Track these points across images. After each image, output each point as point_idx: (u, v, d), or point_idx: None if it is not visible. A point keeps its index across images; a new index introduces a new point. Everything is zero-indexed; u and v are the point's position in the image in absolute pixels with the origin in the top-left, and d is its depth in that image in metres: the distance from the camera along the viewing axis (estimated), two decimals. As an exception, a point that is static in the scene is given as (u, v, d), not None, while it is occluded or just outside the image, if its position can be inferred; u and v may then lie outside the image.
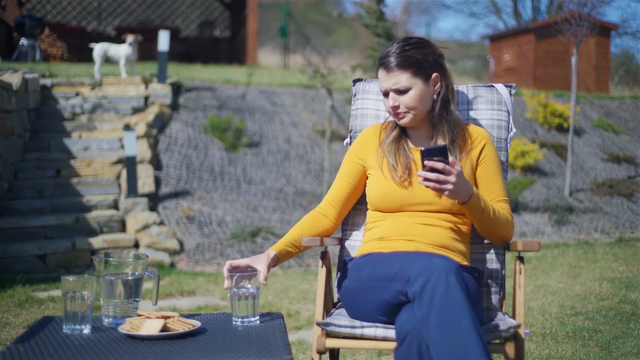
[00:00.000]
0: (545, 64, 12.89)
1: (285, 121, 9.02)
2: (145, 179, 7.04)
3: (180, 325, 1.86)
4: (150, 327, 1.81)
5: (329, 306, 2.30)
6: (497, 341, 2.05)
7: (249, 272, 2.03)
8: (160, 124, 8.09)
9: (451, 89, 2.28)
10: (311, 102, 9.70)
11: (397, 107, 2.20)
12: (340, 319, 2.08)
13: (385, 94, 2.23)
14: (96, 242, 6.17)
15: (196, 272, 5.94)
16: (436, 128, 2.24)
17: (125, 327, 1.83)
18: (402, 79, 2.18)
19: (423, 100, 2.20)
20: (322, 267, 2.23)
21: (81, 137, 7.73)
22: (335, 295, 2.36)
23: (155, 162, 7.52)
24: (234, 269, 2.07)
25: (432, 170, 2.00)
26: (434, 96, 2.23)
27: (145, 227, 6.44)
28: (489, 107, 2.45)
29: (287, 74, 12.41)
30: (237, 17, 16.43)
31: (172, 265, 6.15)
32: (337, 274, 2.38)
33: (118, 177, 7.13)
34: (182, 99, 8.84)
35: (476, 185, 2.25)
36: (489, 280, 2.30)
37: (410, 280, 1.88)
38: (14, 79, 7.24)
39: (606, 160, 9.49)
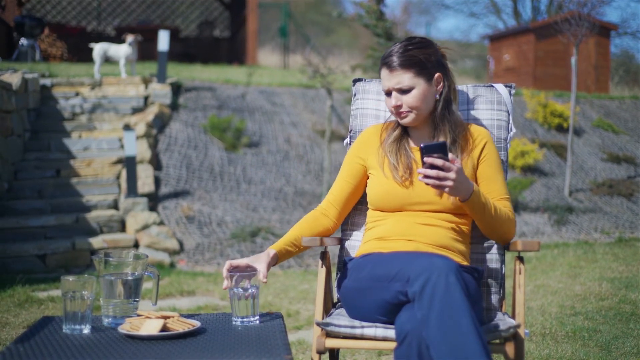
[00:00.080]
0: (545, 64, 12.89)
1: (285, 121, 9.02)
2: (145, 179, 7.04)
3: (180, 325, 1.86)
4: (150, 327, 1.81)
5: (329, 306, 2.30)
6: (497, 341, 2.05)
7: (248, 272, 2.03)
8: (160, 124, 8.09)
9: (453, 89, 2.28)
10: (311, 102, 9.71)
11: (400, 106, 2.20)
12: (340, 319, 2.08)
13: (388, 93, 2.23)
14: (96, 242, 6.17)
15: (196, 272, 5.94)
16: (438, 128, 2.24)
17: (125, 327, 1.83)
18: (405, 78, 2.18)
19: (425, 100, 2.20)
20: (322, 267, 2.23)
21: (81, 137, 7.73)
22: (335, 295, 2.36)
23: (155, 162, 7.52)
24: (233, 269, 2.07)
25: (432, 167, 2.00)
26: (437, 96, 2.24)
27: (145, 227, 6.44)
28: (488, 107, 2.45)
29: (287, 74, 12.41)
30: (237, 17, 16.43)
31: (172, 265, 6.15)
32: (337, 274, 2.38)
33: (118, 177, 7.13)
34: (182, 99, 8.84)
35: (477, 184, 2.25)
36: (489, 280, 2.30)
37: (410, 280, 1.88)
38: (13, 79, 7.24)
39: (606, 160, 9.49)
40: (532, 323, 3.96)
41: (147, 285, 4.62)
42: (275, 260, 2.18)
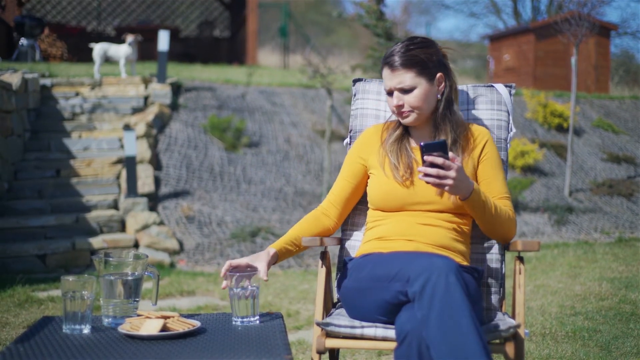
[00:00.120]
0: (545, 64, 12.89)
1: (285, 121, 9.02)
2: (145, 179, 7.04)
3: (180, 325, 1.86)
4: (150, 327, 1.81)
5: (329, 306, 2.30)
6: (497, 341, 2.05)
7: (248, 272, 2.03)
8: (160, 124, 8.09)
9: (454, 89, 2.29)
10: (311, 102, 9.71)
11: (402, 106, 2.20)
12: (340, 319, 2.08)
13: (390, 93, 2.23)
14: (96, 242, 6.17)
15: (196, 272, 5.94)
16: (439, 128, 2.24)
17: (125, 327, 1.83)
18: (407, 78, 2.18)
19: (427, 100, 2.20)
20: (322, 267, 2.23)
21: (81, 137, 7.73)
22: (335, 295, 2.36)
23: (155, 162, 7.52)
24: (233, 269, 2.07)
25: (432, 165, 2.00)
26: (438, 96, 2.24)
27: (145, 227, 6.44)
28: (488, 107, 2.45)
29: (287, 74, 12.41)
30: (237, 17, 16.43)
31: (172, 265, 6.15)
32: (337, 274, 2.38)
33: (118, 177, 7.13)
34: (182, 99, 8.84)
35: (478, 183, 2.25)
36: (489, 280, 2.30)
37: (410, 280, 1.88)
38: (13, 79, 7.24)
39: (606, 160, 9.49)
40: (532, 323, 3.96)
41: (147, 285, 4.62)
42: (275, 259, 2.18)
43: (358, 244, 2.40)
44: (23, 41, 10.70)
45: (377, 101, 2.53)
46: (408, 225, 2.18)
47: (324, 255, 2.26)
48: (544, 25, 12.89)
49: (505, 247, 2.32)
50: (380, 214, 2.26)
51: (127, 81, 8.58)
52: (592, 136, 10.06)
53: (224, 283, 2.04)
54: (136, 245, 6.34)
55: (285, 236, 2.25)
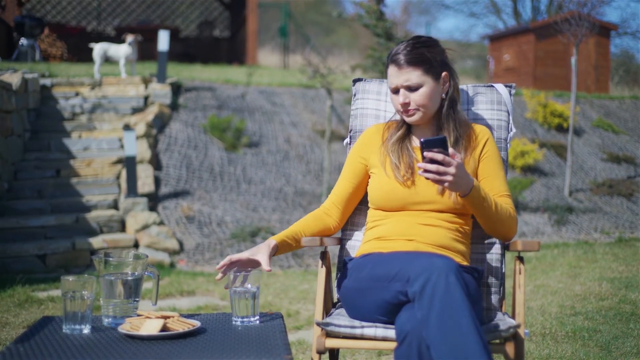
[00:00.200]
0: (545, 64, 12.89)
1: (285, 121, 9.02)
2: (145, 179, 7.04)
3: (180, 325, 1.86)
4: (150, 327, 1.81)
5: (329, 306, 2.30)
6: (497, 341, 2.05)
7: (246, 271, 2.02)
8: (160, 124, 8.09)
9: (457, 89, 2.29)
10: (311, 102, 9.71)
11: (408, 104, 2.20)
12: (340, 319, 2.08)
13: (395, 91, 2.23)
14: (96, 242, 6.17)
15: (196, 272, 5.94)
16: (443, 127, 2.25)
17: (125, 327, 1.83)
18: (414, 76, 2.18)
19: (433, 99, 2.21)
20: (322, 267, 2.23)
21: (81, 137, 7.73)
22: (335, 295, 2.36)
23: (155, 162, 7.52)
24: (233, 264, 2.08)
25: (432, 161, 1.99)
26: (443, 95, 2.24)
27: (145, 227, 6.44)
28: (488, 107, 2.45)
29: (287, 74, 12.41)
30: (236, 17, 16.43)
31: (172, 265, 6.15)
32: (337, 274, 2.38)
33: (118, 177, 7.13)
34: (181, 99, 8.84)
35: (478, 181, 2.25)
36: (489, 280, 2.30)
37: (410, 280, 1.88)
38: (13, 79, 7.24)
39: (606, 160, 9.49)
40: (532, 323, 3.96)
41: (147, 285, 4.62)
42: (275, 250, 2.18)
43: (358, 244, 2.41)
44: (23, 41, 10.70)
45: (377, 101, 2.53)
46: (408, 225, 2.18)
47: (324, 255, 2.26)
48: (544, 25, 12.89)
49: (505, 247, 2.32)
50: (381, 214, 2.26)
51: (127, 81, 8.58)
52: (592, 136, 10.07)
53: (219, 275, 2.05)
54: (136, 245, 6.34)
55: (287, 230, 2.26)
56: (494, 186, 2.24)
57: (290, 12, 16.39)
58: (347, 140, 2.54)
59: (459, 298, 1.79)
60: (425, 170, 2.00)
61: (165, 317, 1.87)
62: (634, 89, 15.25)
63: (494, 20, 27.98)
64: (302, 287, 5.34)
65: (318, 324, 2.05)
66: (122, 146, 7.56)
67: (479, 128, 2.30)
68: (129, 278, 1.95)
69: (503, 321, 2.09)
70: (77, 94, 8.36)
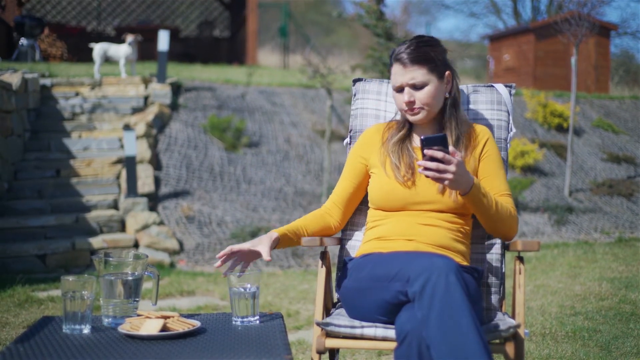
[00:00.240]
0: (545, 64, 12.89)
1: (285, 121, 9.02)
2: (145, 179, 7.04)
3: (180, 325, 1.86)
4: (150, 327, 1.81)
5: (329, 306, 2.30)
6: (497, 341, 2.05)
7: (245, 272, 2.03)
8: (160, 124, 8.09)
9: (457, 88, 2.30)
10: (311, 102, 9.71)
11: (413, 102, 2.20)
12: (340, 318, 2.08)
13: (400, 90, 2.22)
14: (96, 242, 6.17)
15: (196, 272, 5.94)
16: (445, 126, 2.25)
17: (125, 327, 1.83)
18: (419, 74, 2.18)
19: (437, 97, 2.21)
20: (321, 267, 2.23)
21: (81, 137, 7.73)
22: (335, 295, 2.36)
23: (155, 162, 7.52)
24: (234, 253, 2.08)
25: (432, 159, 1.99)
26: (446, 94, 2.25)
27: (145, 227, 6.44)
28: (488, 107, 2.45)
29: (287, 74, 12.41)
30: (236, 17, 16.43)
31: (172, 265, 6.15)
32: (336, 274, 2.38)
33: (118, 177, 7.13)
34: (181, 99, 8.84)
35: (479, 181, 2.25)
36: (489, 280, 2.30)
37: (410, 280, 1.88)
38: (13, 79, 7.24)
39: (606, 160, 9.49)
40: (532, 323, 3.96)
41: (147, 285, 4.62)
42: (277, 243, 2.18)
43: (358, 244, 2.41)
44: (23, 41, 10.70)
45: (377, 101, 2.53)
46: (408, 225, 2.18)
47: (324, 255, 2.26)
48: (544, 25, 12.89)
49: (505, 247, 2.32)
50: (381, 214, 2.26)
51: (127, 81, 8.58)
52: (592, 136, 10.06)
53: (219, 262, 2.05)
54: (136, 245, 6.34)
55: (289, 225, 2.26)
56: (494, 185, 2.24)
57: (290, 12, 16.39)
58: (347, 140, 2.54)
59: (459, 298, 1.79)
60: (426, 168, 1.99)
61: (165, 317, 1.87)
62: (634, 89, 15.25)
63: (494, 20, 27.99)
64: (302, 287, 5.34)
65: (318, 324, 2.05)
66: (122, 146, 7.56)
67: (479, 128, 2.30)
68: (129, 278, 1.95)
69: (503, 321, 2.08)
70: (77, 94, 8.36)
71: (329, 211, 2.35)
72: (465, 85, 2.50)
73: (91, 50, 9.01)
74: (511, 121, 2.45)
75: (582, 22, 8.43)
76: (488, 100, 2.45)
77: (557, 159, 9.26)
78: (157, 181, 7.24)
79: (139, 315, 1.93)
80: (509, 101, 2.46)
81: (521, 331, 2.04)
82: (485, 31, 29.80)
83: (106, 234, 6.43)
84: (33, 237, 6.15)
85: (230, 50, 16.69)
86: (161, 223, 6.58)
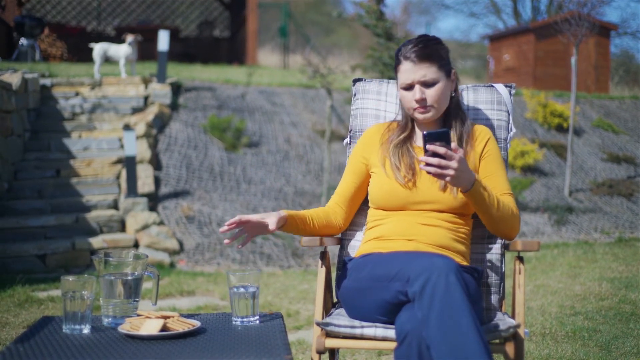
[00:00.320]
0: (545, 64, 12.89)
1: (285, 121, 9.02)
2: (145, 179, 7.04)
3: (180, 325, 1.86)
4: (150, 327, 1.81)
5: (329, 306, 2.30)
6: (497, 341, 2.05)
7: (244, 244, 2.08)
8: (160, 124, 8.09)
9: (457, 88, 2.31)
10: (311, 102, 9.71)
11: (424, 99, 2.19)
12: (340, 318, 2.08)
13: (409, 87, 2.21)
14: (96, 242, 6.17)
15: (196, 272, 5.94)
16: (450, 126, 2.25)
17: (125, 327, 1.83)
18: (430, 71, 2.18)
19: (446, 95, 2.22)
20: (321, 267, 2.23)
21: (81, 137, 7.73)
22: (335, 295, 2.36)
23: (155, 162, 7.52)
24: (242, 223, 2.10)
25: (434, 155, 1.98)
26: (453, 93, 2.25)
27: (145, 227, 6.44)
28: (488, 107, 2.45)
29: (287, 74, 12.41)
30: (236, 17, 16.43)
31: (172, 265, 6.15)
32: (336, 274, 2.38)
33: (118, 177, 7.13)
34: (181, 99, 8.84)
35: (480, 180, 2.25)
36: (489, 280, 2.30)
37: (410, 280, 1.88)
38: (13, 79, 7.24)
39: (606, 160, 9.49)
40: (532, 323, 3.96)
41: (147, 285, 4.62)
42: (284, 222, 2.19)
43: (358, 244, 2.41)
44: (23, 41, 10.70)
45: (377, 101, 2.53)
46: (408, 225, 2.18)
47: (323, 255, 2.26)
48: (544, 25, 12.89)
49: (505, 247, 2.32)
50: (381, 214, 2.26)
51: (127, 81, 8.58)
52: (592, 136, 10.06)
53: (225, 228, 2.06)
54: (136, 245, 6.34)
55: (297, 211, 2.26)
56: (496, 185, 2.23)
57: (290, 12, 16.39)
58: (347, 140, 2.54)
59: (459, 298, 1.79)
60: (427, 164, 1.98)
61: (165, 317, 1.87)
62: (634, 89, 15.25)
63: (494, 20, 27.98)
64: (302, 287, 5.34)
65: (318, 324, 2.05)
66: (122, 146, 7.56)
67: (480, 128, 2.30)
68: (129, 278, 1.95)
69: (503, 321, 2.09)
70: (77, 94, 8.36)
71: (332, 211, 2.35)
72: (465, 85, 2.50)
73: (91, 50, 9.01)
74: (511, 121, 2.45)
75: (582, 22, 8.43)
76: (488, 100, 2.45)
77: (557, 159, 9.26)
78: (157, 181, 7.24)
79: (139, 315, 1.93)
80: (509, 101, 2.46)
81: (521, 331, 2.04)
82: (485, 31, 29.81)
83: (106, 234, 6.43)
84: (33, 237, 6.15)
85: (230, 50, 16.69)
86: (161, 223, 6.58)
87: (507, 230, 2.20)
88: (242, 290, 1.97)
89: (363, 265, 2.12)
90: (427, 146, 1.96)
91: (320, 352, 2.04)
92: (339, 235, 2.46)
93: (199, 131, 8.27)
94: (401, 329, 1.86)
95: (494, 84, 2.50)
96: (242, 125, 8.29)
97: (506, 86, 2.49)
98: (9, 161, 6.86)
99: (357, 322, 2.03)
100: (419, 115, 2.22)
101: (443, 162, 1.97)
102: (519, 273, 2.17)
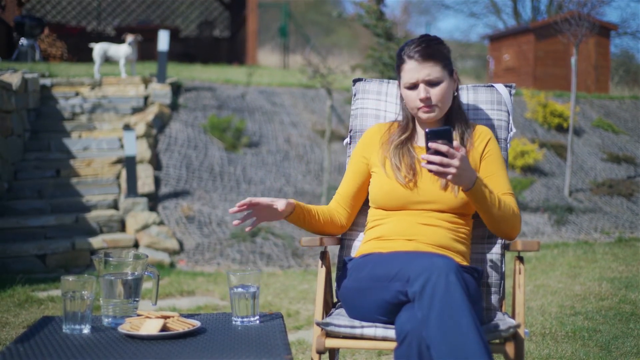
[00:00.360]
0: (545, 64, 12.89)
1: (285, 121, 9.02)
2: (145, 179, 7.04)
3: (180, 325, 1.86)
4: (150, 327, 1.81)
5: (329, 306, 2.30)
6: (497, 341, 2.05)
7: (252, 228, 2.13)
8: (160, 123, 8.09)
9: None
10: (311, 102, 9.71)
11: (429, 98, 2.19)
12: (340, 318, 2.08)
13: (413, 87, 2.21)
14: (96, 242, 6.17)
15: (196, 272, 5.94)
16: (453, 125, 2.25)
17: (125, 327, 1.83)
18: (435, 70, 2.18)
19: (449, 95, 2.22)
20: (321, 267, 2.23)
21: (81, 137, 7.73)
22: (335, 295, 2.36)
23: (155, 162, 7.52)
24: (252, 205, 2.12)
25: (436, 153, 1.97)
26: (455, 93, 2.25)
27: (145, 227, 6.44)
28: (489, 107, 2.45)
29: (287, 74, 12.41)
30: (236, 17, 16.43)
31: (172, 265, 6.15)
32: (336, 274, 2.38)
33: (118, 177, 7.13)
34: (181, 99, 8.84)
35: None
36: (489, 280, 2.30)
37: (411, 280, 1.88)
38: (13, 79, 7.24)
39: (606, 160, 9.49)
40: (532, 323, 3.96)
41: (147, 285, 4.62)
42: (291, 210, 2.20)
43: (358, 244, 2.41)
44: (23, 41, 10.70)
45: (377, 101, 2.53)
46: (408, 224, 2.18)
47: (323, 255, 2.26)
48: (544, 25, 12.89)
49: (505, 247, 2.32)
50: (381, 213, 2.26)
51: (127, 81, 8.58)
52: (592, 136, 10.06)
53: (235, 208, 2.09)
54: (136, 245, 6.34)
55: (305, 204, 2.27)
56: (496, 185, 2.23)
57: (290, 12, 16.39)
58: (347, 140, 2.54)
59: (459, 298, 1.79)
60: (429, 162, 1.98)
61: (165, 317, 1.87)
62: (634, 89, 15.25)
63: (494, 20, 27.98)
64: (302, 287, 5.34)
65: (318, 324, 2.05)
66: (122, 146, 7.56)
67: (481, 128, 2.31)
68: (129, 278, 1.95)
69: (503, 321, 2.09)
70: (77, 94, 8.36)
71: (336, 210, 2.36)
72: (465, 85, 2.50)
73: (91, 50, 9.01)
74: (511, 121, 2.45)
75: (582, 22, 8.43)
76: (488, 100, 2.45)
77: (557, 159, 9.26)
78: (157, 181, 7.24)
79: (139, 315, 1.93)
80: (509, 101, 2.46)
81: (521, 331, 2.04)
82: (485, 31, 29.81)
83: (106, 234, 6.43)
84: (33, 237, 6.15)
85: (230, 50, 16.69)
86: (161, 223, 6.58)
87: (508, 230, 2.20)
88: (242, 290, 1.97)
89: (363, 265, 2.12)
90: (430, 144, 1.96)
91: (320, 352, 2.04)
92: (339, 236, 2.46)
93: (199, 131, 8.27)
94: (401, 329, 1.86)
95: (494, 84, 2.50)
96: (242, 125, 8.29)
97: (506, 86, 2.49)
98: (9, 161, 6.86)
99: (357, 322, 2.03)
100: (423, 115, 2.22)
101: (445, 160, 1.96)
102: (519, 273, 2.17)
